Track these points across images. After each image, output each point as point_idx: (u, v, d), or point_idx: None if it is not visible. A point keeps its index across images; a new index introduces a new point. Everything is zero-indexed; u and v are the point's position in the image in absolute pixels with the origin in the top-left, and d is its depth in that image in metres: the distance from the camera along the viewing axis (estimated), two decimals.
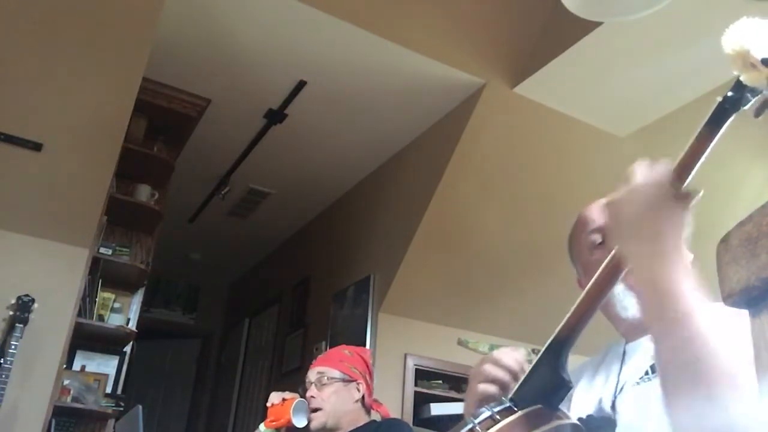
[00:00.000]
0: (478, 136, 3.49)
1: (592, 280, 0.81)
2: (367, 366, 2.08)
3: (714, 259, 0.50)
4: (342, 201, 4.73)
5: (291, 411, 1.88)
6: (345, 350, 2.10)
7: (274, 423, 1.92)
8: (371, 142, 4.03)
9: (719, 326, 0.67)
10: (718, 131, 0.69)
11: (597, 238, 1.07)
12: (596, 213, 1.09)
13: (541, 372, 0.82)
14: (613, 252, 0.80)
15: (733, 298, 0.48)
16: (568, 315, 0.81)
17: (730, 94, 0.67)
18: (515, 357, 0.96)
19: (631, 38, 2.91)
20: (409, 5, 3.12)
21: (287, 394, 1.97)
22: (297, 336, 4.79)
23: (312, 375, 2.01)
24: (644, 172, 0.78)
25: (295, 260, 5.27)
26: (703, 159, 0.71)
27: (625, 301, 1.00)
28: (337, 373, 2.00)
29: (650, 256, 0.74)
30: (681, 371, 0.67)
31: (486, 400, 0.91)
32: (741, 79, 0.62)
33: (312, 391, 1.97)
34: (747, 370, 0.62)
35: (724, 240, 0.50)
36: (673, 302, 0.69)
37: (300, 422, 1.90)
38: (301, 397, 1.97)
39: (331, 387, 1.97)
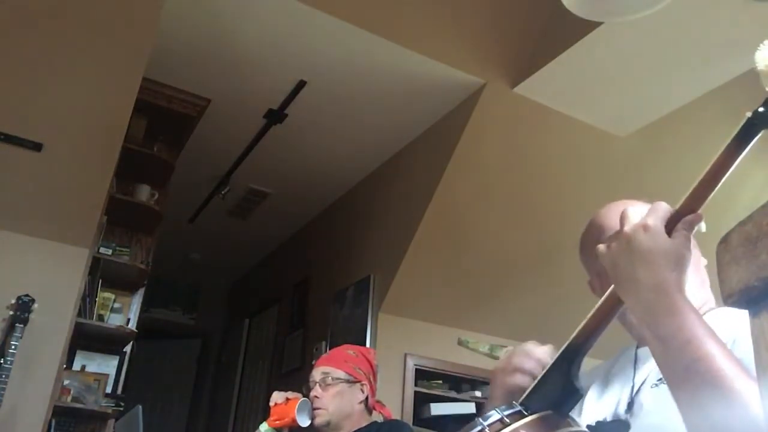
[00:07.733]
0: (478, 136, 3.49)
1: (605, 295, 0.79)
2: (371, 366, 2.08)
3: (714, 259, 0.50)
4: (342, 201, 4.73)
5: (295, 410, 1.90)
6: (350, 350, 2.10)
7: (278, 422, 1.93)
8: (371, 142, 4.03)
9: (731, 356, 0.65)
10: (745, 147, 0.67)
11: None
12: (612, 219, 1.04)
13: (553, 379, 0.82)
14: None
15: (733, 298, 0.48)
16: (581, 325, 0.80)
17: (761, 110, 0.65)
18: (544, 350, 0.95)
19: (631, 38, 2.91)
20: (409, 5, 3.11)
21: (290, 394, 1.98)
22: (297, 336, 4.79)
23: (316, 374, 2.01)
24: (634, 217, 0.76)
25: (295, 260, 5.27)
26: (726, 176, 0.69)
27: None
28: (341, 374, 1.99)
29: (652, 309, 0.71)
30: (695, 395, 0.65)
31: (517, 392, 0.90)
32: None
33: (316, 390, 1.97)
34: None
35: (724, 240, 0.50)
36: (683, 353, 0.67)
37: (303, 422, 1.92)
38: (304, 396, 1.97)
39: (336, 387, 1.97)
